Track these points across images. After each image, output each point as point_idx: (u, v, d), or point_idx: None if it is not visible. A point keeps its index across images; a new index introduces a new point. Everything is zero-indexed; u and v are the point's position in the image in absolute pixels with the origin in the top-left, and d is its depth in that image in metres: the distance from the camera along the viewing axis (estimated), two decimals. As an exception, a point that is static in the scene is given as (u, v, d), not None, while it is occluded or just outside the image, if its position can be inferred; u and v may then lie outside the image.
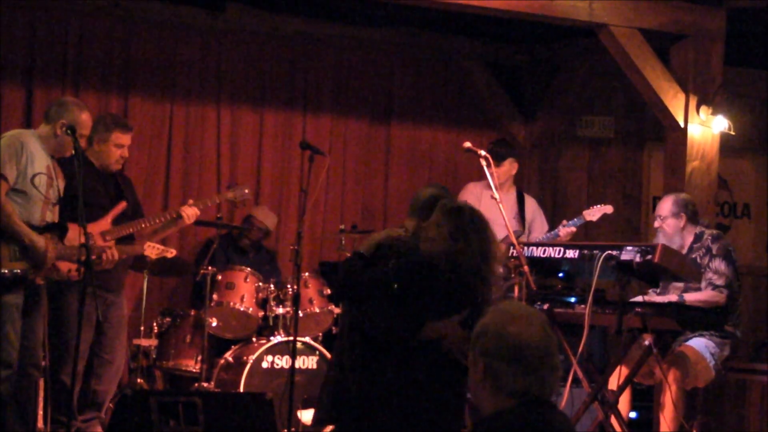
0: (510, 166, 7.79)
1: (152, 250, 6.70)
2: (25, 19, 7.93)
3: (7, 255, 5.69)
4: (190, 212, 6.73)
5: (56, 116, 5.93)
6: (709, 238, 6.84)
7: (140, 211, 6.80)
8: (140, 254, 6.70)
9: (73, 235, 5.91)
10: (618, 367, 6.49)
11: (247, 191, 7.16)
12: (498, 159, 7.49)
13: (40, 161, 5.85)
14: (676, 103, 7.74)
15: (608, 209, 7.63)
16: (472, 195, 7.68)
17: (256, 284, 7.42)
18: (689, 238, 6.83)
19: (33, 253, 5.74)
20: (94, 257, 5.77)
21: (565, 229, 7.51)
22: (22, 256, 5.73)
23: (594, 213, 7.64)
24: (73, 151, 5.79)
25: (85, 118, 6.01)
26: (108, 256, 6.26)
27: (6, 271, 5.70)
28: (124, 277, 6.85)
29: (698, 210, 7.00)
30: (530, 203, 7.99)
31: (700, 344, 6.71)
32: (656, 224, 6.92)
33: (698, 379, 6.69)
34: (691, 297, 6.61)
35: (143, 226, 6.58)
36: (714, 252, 6.77)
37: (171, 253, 6.86)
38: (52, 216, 5.91)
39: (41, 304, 5.94)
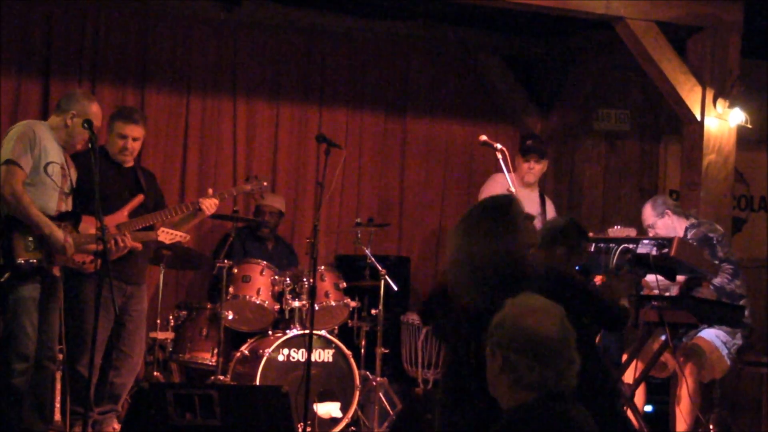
0: (545, 164, 7.92)
1: (166, 235, 6.64)
2: (42, 12, 7.95)
3: (22, 246, 5.71)
4: (210, 203, 6.69)
5: (66, 107, 6.00)
6: (690, 229, 6.85)
7: (162, 206, 6.76)
8: (154, 240, 6.65)
9: (86, 226, 5.93)
10: (634, 361, 6.48)
11: (265, 184, 7.15)
12: (541, 155, 7.83)
13: (53, 151, 5.90)
14: (692, 96, 7.71)
15: (632, 232, 7.59)
16: (500, 186, 7.69)
17: (272, 277, 7.43)
18: (681, 232, 6.83)
19: (52, 244, 5.76)
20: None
21: None
22: (37, 247, 5.75)
23: (617, 234, 7.61)
24: (90, 144, 5.82)
25: (95, 109, 6.05)
26: (119, 243, 6.26)
27: (22, 260, 5.71)
28: (145, 269, 6.83)
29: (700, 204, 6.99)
30: (550, 207, 8.06)
31: (711, 335, 6.70)
32: (650, 234, 6.91)
33: (714, 370, 6.68)
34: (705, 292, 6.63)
35: (161, 218, 6.55)
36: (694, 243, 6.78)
37: (185, 237, 6.80)
38: (66, 206, 5.94)
39: (57, 296, 5.95)
